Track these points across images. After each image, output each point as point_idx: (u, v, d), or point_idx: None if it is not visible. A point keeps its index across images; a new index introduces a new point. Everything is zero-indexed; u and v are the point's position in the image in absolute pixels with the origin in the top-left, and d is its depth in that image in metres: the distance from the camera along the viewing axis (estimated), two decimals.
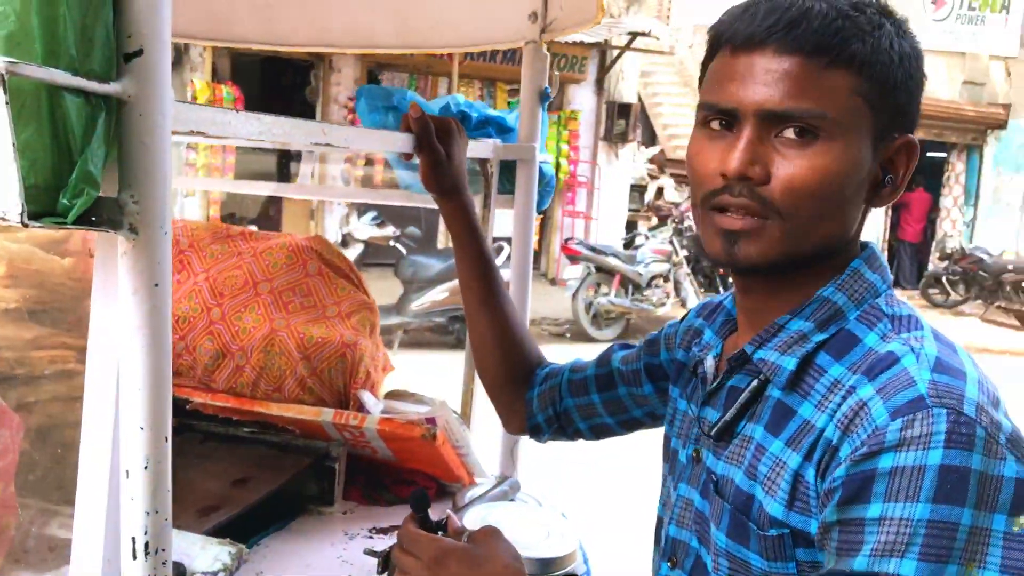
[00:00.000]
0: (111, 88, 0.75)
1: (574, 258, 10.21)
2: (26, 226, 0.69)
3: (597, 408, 1.31)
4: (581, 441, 1.37)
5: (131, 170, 0.78)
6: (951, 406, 0.80)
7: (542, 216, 13.01)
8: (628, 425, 1.31)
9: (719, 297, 1.19)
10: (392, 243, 9.64)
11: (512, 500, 1.72)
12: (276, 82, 12.05)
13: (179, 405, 1.75)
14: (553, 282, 12.87)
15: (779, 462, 0.91)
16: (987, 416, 0.81)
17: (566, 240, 11.34)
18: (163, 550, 0.83)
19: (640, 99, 13.84)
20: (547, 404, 1.34)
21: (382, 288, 9.92)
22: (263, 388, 1.70)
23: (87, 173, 0.73)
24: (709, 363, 1.07)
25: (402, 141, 1.34)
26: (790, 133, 0.90)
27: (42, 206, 0.72)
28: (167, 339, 0.82)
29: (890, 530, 0.78)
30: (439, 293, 8.70)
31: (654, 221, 13.08)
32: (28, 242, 1.85)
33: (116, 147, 0.78)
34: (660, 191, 15.12)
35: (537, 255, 13.29)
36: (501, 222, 1.87)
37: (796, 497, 0.89)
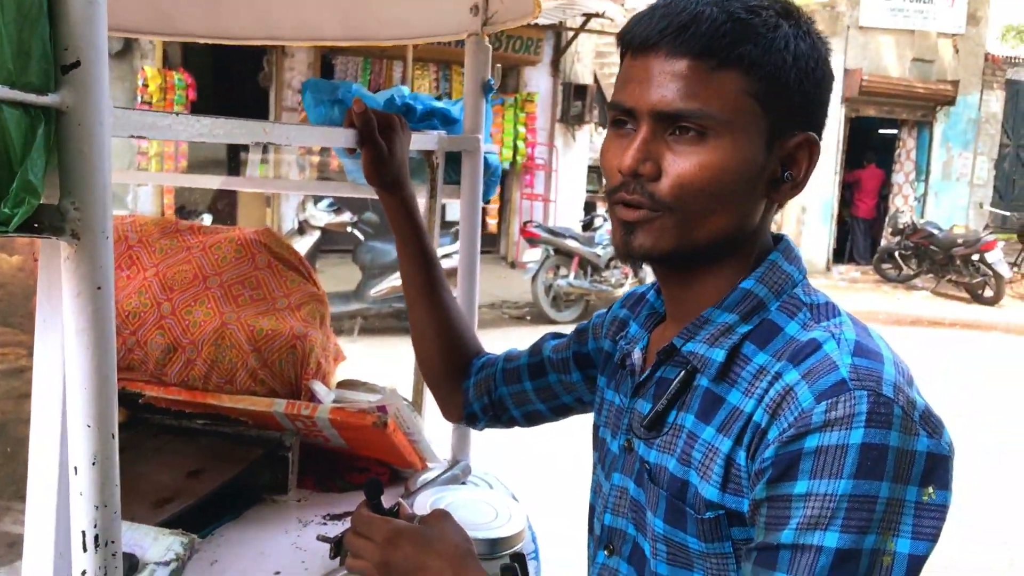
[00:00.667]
0: (49, 99, 0.77)
1: (533, 241, 10.26)
2: None
3: (529, 395, 1.35)
4: (516, 428, 1.42)
5: (71, 178, 0.80)
6: (871, 388, 0.85)
7: (499, 200, 13.03)
8: (558, 411, 1.36)
9: (642, 288, 1.24)
10: (350, 229, 9.61)
11: (463, 483, 1.77)
12: (228, 68, 11.92)
13: (132, 399, 1.77)
14: (513, 265, 12.92)
15: (711, 448, 0.95)
16: (903, 395, 0.86)
17: (525, 223, 11.38)
18: (112, 542, 0.86)
19: (596, 80, 13.87)
20: (482, 392, 1.39)
21: (340, 275, 9.91)
22: (215, 381, 1.73)
23: (27, 183, 0.75)
24: (636, 356, 1.11)
25: (344, 136, 1.36)
26: (680, 132, 0.95)
27: None
28: (111, 340, 0.84)
29: (815, 505, 0.84)
30: (397, 279, 8.70)
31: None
32: None
33: (56, 155, 0.80)
34: None
35: (496, 238, 13.32)
36: (454, 207, 1.91)
37: (729, 479, 0.93)
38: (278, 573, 1.43)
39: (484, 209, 12.55)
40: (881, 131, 17.02)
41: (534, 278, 9.98)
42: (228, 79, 11.98)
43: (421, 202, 1.53)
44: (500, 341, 8.77)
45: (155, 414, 1.78)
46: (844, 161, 15.81)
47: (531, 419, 1.38)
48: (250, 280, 1.78)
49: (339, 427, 1.67)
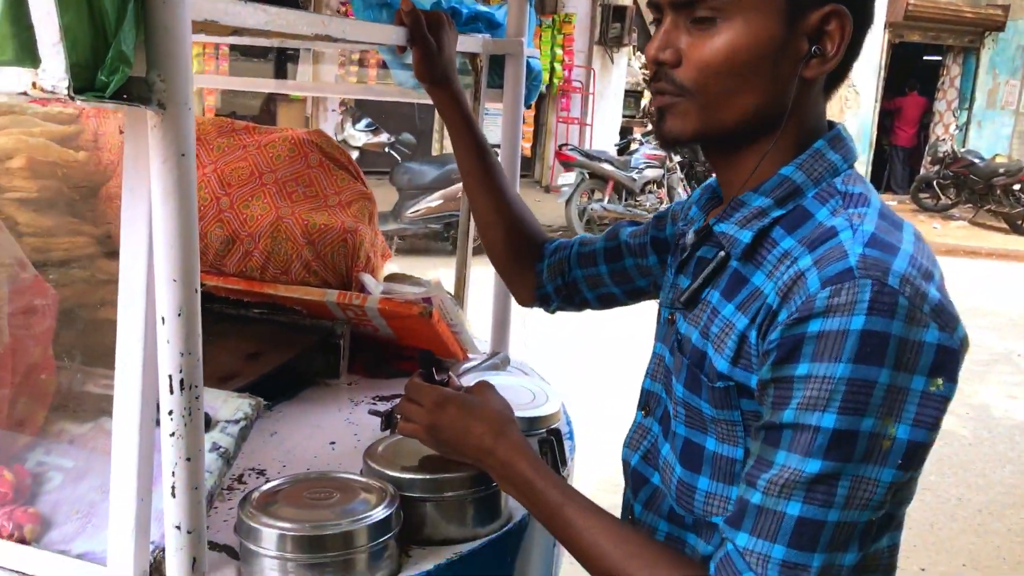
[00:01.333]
0: None
1: (568, 164, 10.27)
2: (72, 99, 0.80)
3: (604, 278, 1.42)
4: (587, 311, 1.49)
5: (157, 52, 0.88)
6: (876, 277, 0.87)
7: (535, 124, 12.97)
8: (632, 295, 1.42)
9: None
10: (387, 150, 9.67)
11: (503, 371, 1.87)
12: None
13: None
14: (547, 189, 12.94)
15: (728, 324, 1.01)
16: (911, 287, 0.88)
17: (560, 146, 11.36)
18: (196, 386, 0.96)
19: (635, 1, 13.65)
20: (556, 274, 1.46)
21: (377, 195, 9.99)
22: (271, 272, 1.82)
23: (121, 52, 0.83)
24: (689, 236, 1.16)
25: (395, 34, 1.43)
26: (698, 20, 0.99)
27: (83, 82, 0.82)
28: (193, 203, 0.93)
29: (814, 387, 0.87)
30: (434, 200, 8.78)
31: (648, 127, 13.06)
32: (44, 136, 1.95)
33: (143, 31, 0.88)
34: None
35: (531, 161, 13.31)
36: (490, 132, 1.97)
37: (740, 355, 0.99)
38: (333, 443, 1.54)
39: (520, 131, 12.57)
40: (925, 57, 16.62)
41: (568, 201, 10.01)
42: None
43: None
44: None
45: (215, 303, 1.88)
46: (884, 88, 15.50)
47: (604, 302, 1.45)
48: (303, 178, 1.86)
49: (387, 316, 1.77)
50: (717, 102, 1.01)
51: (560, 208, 10.41)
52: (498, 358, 1.88)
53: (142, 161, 0.93)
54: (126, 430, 1.00)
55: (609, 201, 10.22)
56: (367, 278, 1.82)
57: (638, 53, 15.29)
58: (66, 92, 0.80)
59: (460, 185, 1.76)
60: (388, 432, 1.40)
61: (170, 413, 0.95)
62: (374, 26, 1.42)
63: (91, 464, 1.18)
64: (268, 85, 2.82)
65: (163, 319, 0.94)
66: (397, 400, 1.60)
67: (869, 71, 15.02)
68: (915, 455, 0.89)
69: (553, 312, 1.54)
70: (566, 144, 11.46)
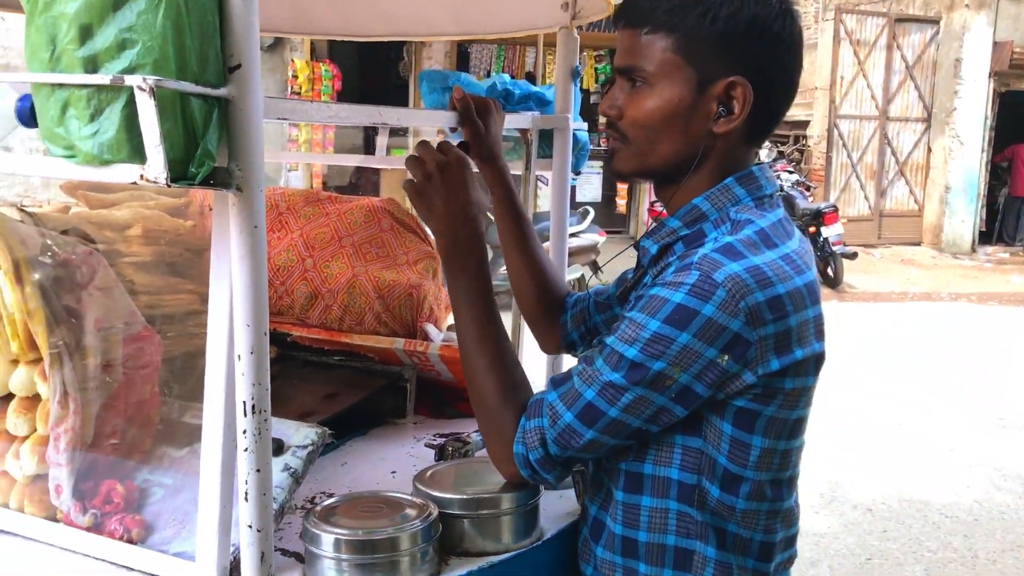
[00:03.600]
0: (221, 92, 1.10)
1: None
2: (169, 186, 1.05)
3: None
4: None
5: (236, 148, 1.13)
6: (704, 271, 1.17)
7: (628, 182, 13.13)
8: None
9: None
10: None
11: None
12: (371, 59, 12.53)
13: (281, 338, 2.14)
14: None
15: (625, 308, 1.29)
16: (735, 285, 1.15)
17: (652, 203, 11.52)
18: (264, 411, 1.19)
19: None
20: (579, 323, 1.68)
21: None
22: (348, 323, 2.07)
23: (207, 150, 1.09)
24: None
25: (446, 118, 1.67)
26: (632, 84, 1.30)
27: (178, 173, 1.08)
28: (263, 264, 1.17)
29: (631, 328, 1.20)
30: None
31: None
32: (158, 208, 2.26)
33: (225, 131, 1.13)
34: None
35: (626, 217, 13.49)
36: (586, 191, 2.21)
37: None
38: (394, 472, 1.75)
39: (615, 189, 12.61)
40: None
41: None
42: (371, 69, 12.60)
43: (516, 173, 1.83)
44: None
45: (299, 351, 2.14)
46: (992, 138, 15.16)
47: None
48: (376, 240, 2.11)
49: (447, 362, 1.99)
50: (645, 149, 1.32)
51: None
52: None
53: (225, 231, 1.18)
54: (211, 449, 1.24)
55: None
56: (430, 328, 2.05)
57: None
58: (165, 182, 1.05)
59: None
60: (440, 460, 1.61)
61: (244, 432, 1.19)
62: (426, 112, 1.67)
63: (186, 482, 1.42)
64: (351, 160, 3.11)
65: (239, 356, 1.17)
66: (453, 436, 1.82)
67: (974, 121, 14.74)
68: (688, 399, 1.20)
69: (578, 356, 1.74)
70: (658, 200, 11.58)
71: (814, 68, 14.39)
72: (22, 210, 1.61)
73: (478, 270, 1.41)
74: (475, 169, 1.60)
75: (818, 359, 1.27)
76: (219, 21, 1.10)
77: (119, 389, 1.45)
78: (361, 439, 1.94)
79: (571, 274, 9.06)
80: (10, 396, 1.44)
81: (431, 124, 1.68)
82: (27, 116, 1.19)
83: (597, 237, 9.33)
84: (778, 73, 1.29)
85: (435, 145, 1.48)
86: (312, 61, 11.32)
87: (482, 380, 1.37)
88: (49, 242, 1.45)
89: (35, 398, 1.43)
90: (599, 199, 12.25)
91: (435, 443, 1.82)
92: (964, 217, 14.91)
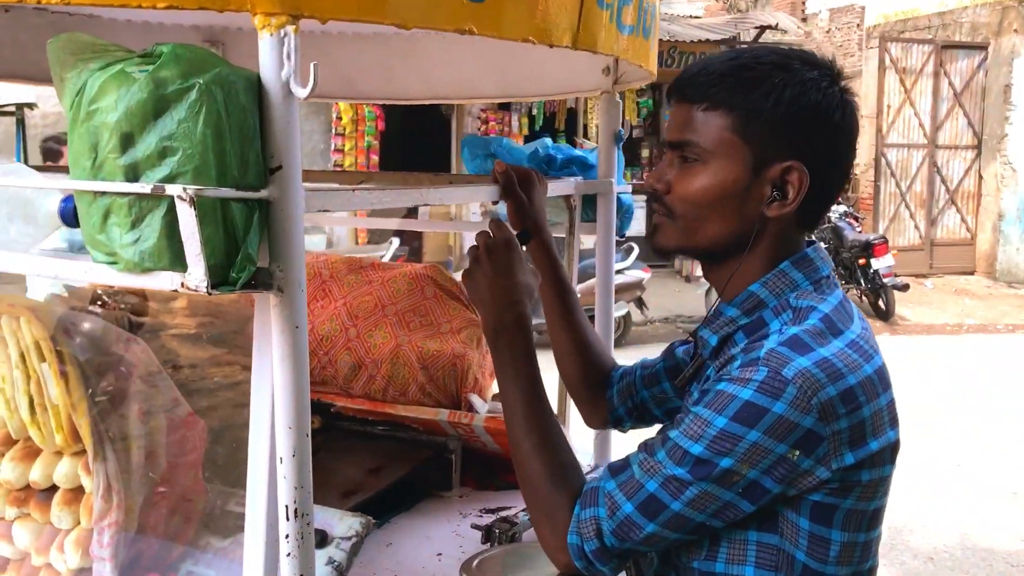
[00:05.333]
0: (262, 194, 1.09)
1: None
2: (209, 294, 1.04)
3: (668, 394, 1.58)
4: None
5: (277, 248, 1.12)
6: (772, 367, 1.13)
7: None
8: None
9: None
10: (524, 248, 9.96)
11: None
12: None
13: (325, 408, 2.12)
14: (687, 279, 12.96)
15: (692, 401, 1.26)
16: (807, 381, 1.12)
17: None
18: (307, 515, 1.17)
19: None
20: (626, 398, 1.63)
21: None
22: (391, 393, 2.05)
23: (249, 255, 1.07)
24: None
25: (489, 192, 1.65)
26: (684, 159, 1.27)
27: (219, 279, 1.06)
28: (305, 365, 1.15)
29: (697, 423, 1.16)
30: None
31: None
32: None
33: (266, 232, 1.12)
34: None
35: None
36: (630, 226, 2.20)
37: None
38: (440, 554, 1.72)
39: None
40: None
41: (708, 292, 10.03)
42: (414, 109, 12.70)
43: (560, 236, 1.80)
44: None
45: (343, 421, 2.12)
46: None
47: (673, 416, 1.61)
48: (419, 308, 2.10)
49: (492, 434, 1.95)
50: (692, 227, 1.28)
51: (700, 299, 10.45)
52: (599, 470, 2.03)
53: (266, 330, 1.16)
54: (254, 553, 1.22)
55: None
56: (475, 398, 2.02)
57: None
58: (206, 289, 1.04)
59: (594, 281, 1.98)
60: (487, 543, 1.57)
61: (286, 537, 1.16)
62: (468, 189, 1.65)
63: (231, 573, 1.40)
64: (392, 223, 3.11)
65: (281, 459, 1.15)
66: (500, 516, 1.78)
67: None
68: (756, 491, 1.15)
69: (626, 431, 1.71)
70: (708, 283, 11.48)
71: (859, 97, 14.22)
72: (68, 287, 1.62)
73: (524, 353, 1.39)
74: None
75: (894, 447, 1.23)
76: (259, 122, 1.10)
77: (163, 479, 1.44)
78: (407, 514, 1.91)
79: (617, 311, 9.01)
80: (54, 488, 1.44)
81: (474, 200, 1.66)
82: (70, 217, 1.19)
83: (642, 274, 9.27)
84: (834, 161, 1.26)
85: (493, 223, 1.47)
86: (356, 103, 11.45)
87: (531, 463, 1.33)
88: (92, 328, 1.45)
89: (79, 490, 1.42)
90: (643, 233, 12.18)
91: (480, 523, 1.78)
92: (1019, 245, 14.57)
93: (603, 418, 1.69)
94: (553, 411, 1.39)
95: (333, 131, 11.56)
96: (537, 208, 1.70)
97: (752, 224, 1.26)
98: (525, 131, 12.14)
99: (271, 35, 1.08)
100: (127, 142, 1.06)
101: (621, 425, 1.67)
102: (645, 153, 13.70)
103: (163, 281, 1.06)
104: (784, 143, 1.23)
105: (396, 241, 9.20)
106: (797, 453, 1.13)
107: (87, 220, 1.10)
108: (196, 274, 1.04)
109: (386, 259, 9.64)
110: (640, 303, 9.47)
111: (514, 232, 1.50)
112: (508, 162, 1.71)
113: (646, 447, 1.23)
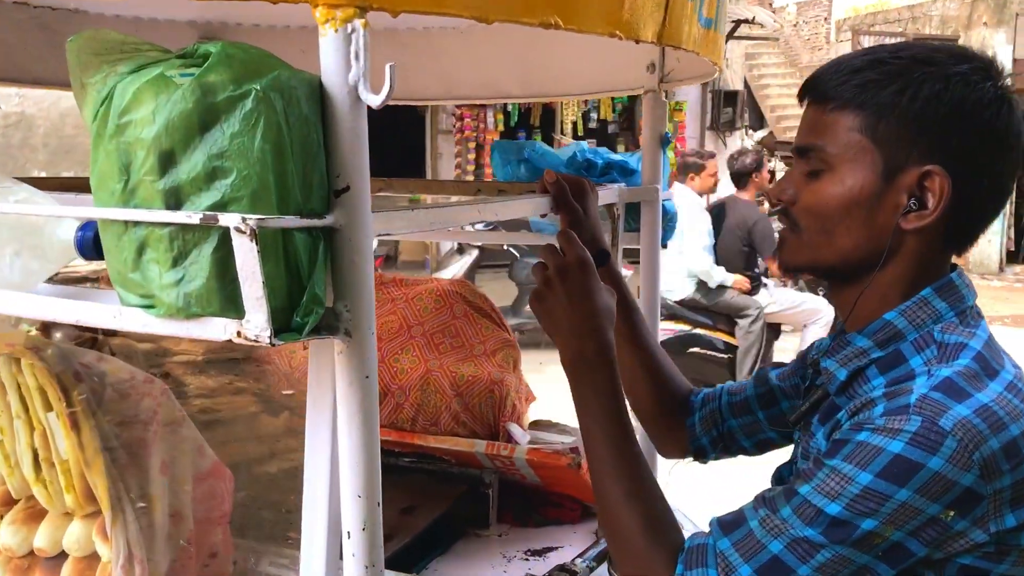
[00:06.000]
0: (327, 221, 0.91)
1: None
2: (273, 344, 0.86)
3: (762, 425, 1.43)
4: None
5: (344, 284, 0.94)
6: (927, 416, 0.98)
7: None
8: (789, 437, 1.41)
9: None
10: (506, 246, 9.81)
11: None
12: None
13: None
14: None
15: (816, 447, 1.15)
16: (967, 434, 0.97)
17: None
18: None
19: (747, 84, 13.67)
20: (710, 426, 1.46)
21: (496, 290, 10.12)
22: (421, 423, 1.87)
23: (315, 296, 0.89)
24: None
25: (542, 204, 1.48)
26: (807, 165, 1.14)
27: (280, 324, 0.89)
28: (376, 422, 0.98)
29: (834, 479, 1.00)
30: None
31: (767, 207, 12.88)
32: None
33: (329, 266, 0.94)
34: (772, 175, 14.89)
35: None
36: None
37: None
38: None
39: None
40: None
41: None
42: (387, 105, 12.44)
43: None
44: None
45: None
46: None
47: (762, 447, 1.46)
48: (449, 328, 1.92)
49: (535, 467, 1.79)
50: (818, 241, 1.14)
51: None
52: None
53: (327, 384, 0.99)
54: None
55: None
56: (514, 428, 1.85)
57: (751, 133, 15.24)
58: (268, 340, 0.86)
59: None
60: None
61: None
62: (524, 202, 1.47)
63: None
64: (458, 235, 2.93)
65: (348, 534, 0.98)
66: (546, 556, 1.62)
67: None
68: (898, 554, 1.01)
69: (706, 463, 1.54)
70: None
71: None
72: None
73: (609, 387, 1.22)
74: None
75: None
76: (323, 137, 0.92)
77: (190, 537, 1.25)
78: (444, 559, 1.74)
79: None
80: (63, 555, 1.25)
81: (529, 213, 1.49)
82: (89, 249, 1.00)
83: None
84: (985, 168, 1.09)
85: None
86: None
87: (622, 514, 1.16)
88: (107, 369, 1.26)
89: (93, 558, 1.23)
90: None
91: (532, 572, 1.62)
92: (991, 237, 14.67)
93: (683, 448, 1.52)
94: (643, 455, 1.22)
95: None
96: (593, 219, 1.53)
97: (885, 238, 1.11)
98: (501, 127, 11.93)
99: (336, 31, 0.90)
100: (168, 161, 0.88)
101: (704, 456, 1.51)
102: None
103: (214, 329, 0.88)
104: (921, 145, 1.08)
105: (374, 242, 8.98)
106: (952, 514, 0.99)
107: (116, 255, 0.92)
108: (256, 321, 0.86)
109: None
110: None
111: (597, 254, 1.34)
112: (544, 167, 1.54)
113: (765, 502, 1.07)
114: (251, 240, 0.83)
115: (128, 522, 1.18)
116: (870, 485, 0.98)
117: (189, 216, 0.86)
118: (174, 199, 0.88)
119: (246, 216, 0.83)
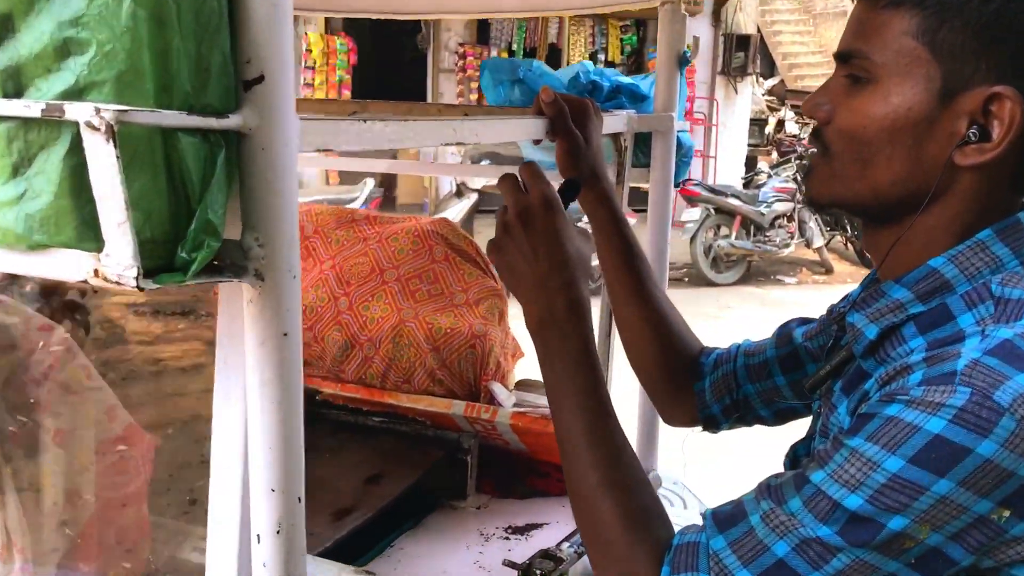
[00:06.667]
0: (230, 122, 0.67)
1: (692, 200, 9.92)
2: (141, 290, 0.62)
3: (782, 391, 1.20)
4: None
5: (255, 210, 0.70)
6: (980, 388, 0.77)
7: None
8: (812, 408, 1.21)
9: None
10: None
11: None
12: (387, 31, 12.02)
13: (309, 395, 1.72)
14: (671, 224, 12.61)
15: (839, 423, 0.93)
16: None
17: (683, 181, 11.05)
18: None
19: (759, 30, 13.25)
20: (723, 393, 1.24)
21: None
22: (392, 379, 1.65)
23: (207, 223, 0.65)
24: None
25: (535, 127, 1.23)
26: (849, 77, 0.92)
27: (158, 261, 0.65)
28: (298, 394, 0.75)
29: (856, 464, 0.80)
30: None
31: (776, 157, 12.58)
32: None
33: (237, 186, 0.70)
34: (780, 124, 14.53)
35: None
36: None
37: None
38: None
39: None
40: None
41: (693, 238, 9.65)
42: (386, 42, 12.10)
43: None
44: None
45: (332, 410, 1.72)
46: None
47: (783, 417, 1.24)
48: (427, 273, 1.68)
49: (519, 432, 1.57)
50: (850, 171, 0.93)
51: (684, 245, 10.06)
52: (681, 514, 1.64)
53: (237, 340, 0.75)
54: None
55: (737, 237, 9.82)
56: (497, 388, 1.63)
57: (762, 81, 14.85)
58: (135, 281, 0.62)
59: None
60: None
61: None
62: (511, 122, 1.23)
63: None
64: (380, 165, 2.67)
65: (258, 537, 0.75)
66: (529, 534, 1.41)
67: None
68: (935, 562, 0.81)
69: (717, 432, 1.31)
70: (689, 179, 11.10)
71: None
72: None
73: (583, 354, 0.99)
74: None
75: None
76: (227, 6, 0.67)
77: (89, 523, 1.03)
78: (413, 535, 1.52)
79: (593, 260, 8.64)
80: None
81: (518, 137, 1.24)
82: None
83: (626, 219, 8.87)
84: None
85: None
86: (327, 35, 10.84)
87: (599, 503, 0.94)
88: None
89: None
90: None
91: (511, 551, 1.40)
92: None
93: (690, 416, 1.29)
94: (623, 431, 1.00)
95: (303, 64, 10.92)
96: (595, 149, 1.28)
97: (934, 175, 0.89)
98: None
99: None
100: (3, 31, 0.63)
101: (715, 426, 1.28)
102: None
103: (65, 266, 0.65)
104: (991, 60, 0.85)
105: (370, 182, 8.66)
106: (1006, 514, 0.78)
107: None
108: (119, 255, 0.62)
109: (359, 203, 9.16)
110: None
111: (559, 181, 1.10)
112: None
113: (771, 492, 0.87)
114: (108, 141, 0.59)
115: (7, 504, 0.95)
116: (901, 473, 0.78)
117: (28, 107, 0.61)
118: (12, 84, 0.64)
119: (101, 107, 0.59)
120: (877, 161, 0.90)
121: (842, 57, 0.93)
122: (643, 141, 1.67)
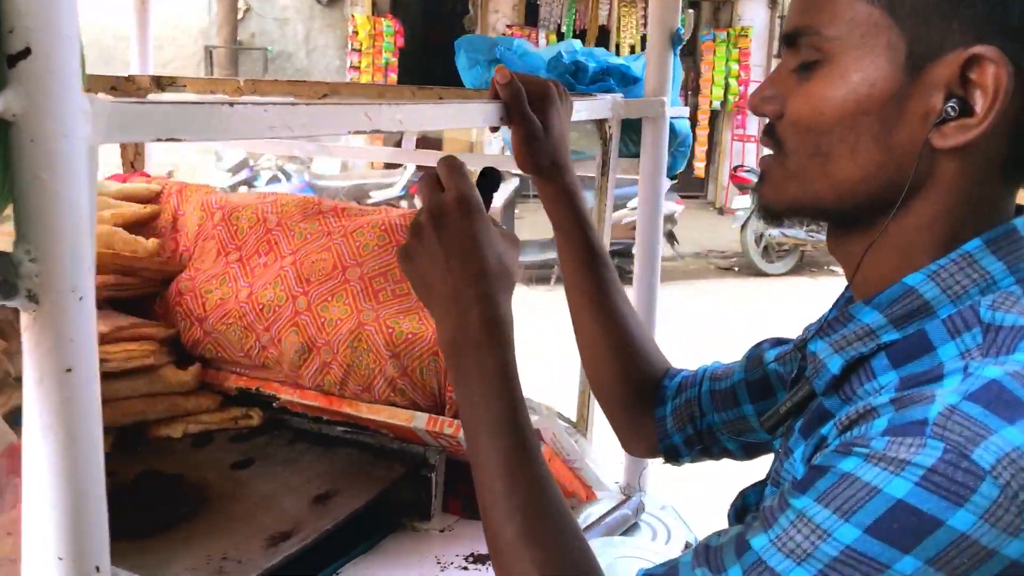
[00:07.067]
0: None
1: (744, 187, 9.69)
2: None
3: (750, 421, 1.05)
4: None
5: (26, 217, 0.56)
6: (955, 444, 0.62)
7: (708, 143, 12.39)
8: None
9: None
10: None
11: (636, 525, 1.48)
12: (435, 12, 11.89)
13: (267, 401, 1.60)
14: (721, 211, 12.32)
15: (793, 469, 0.81)
16: (1017, 474, 0.61)
17: (735, 167, 10.79)
18: None
19: None
20: (684, 422, 1.09)
21: (539, 222, 9.69)
22: (352, 387, 1.51)
23: None
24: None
25: (488, 112, 1.08)
26: (798, 59, 0.78)
27: None
28: (91, 441, 0.61)
29: (803, 530, 0.66)
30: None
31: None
32: (115, 220, 1.73)
33: (6, 184, 0.56)
34: None
35: (704, 182, 12.73)
36: None
37: None
38: None
39: (692, 151, 12.24)
40: None
41: (744, 226, 9.40)
42: (436, 23, 11.97)
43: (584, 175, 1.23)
44: (705, 295, 8.33)
45: (292, 418, 1.60)
46: None
47: (752, 452, 1.09)
48: (392, 272, 1.54)
49: None
50: (808, 168, 0.79)
51: (735, 233, 9.81)
52: (629, 505, 1.48)
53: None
54: None
55: (789, 226, 9.54)
56: None
57: None
58: None
59: (626, 211, 1.41)
60: None
61: None
62: (452, 108, 1.08)
63: None
64: (377, 154, 2.54)
65: None
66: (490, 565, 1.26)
67: None
68: None
69: (681, 466, 1.16)
70: (741, 165, 10.83)
71: None
72: None
73: (499, 378, 0.85)
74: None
75: None
76: None
77: None
78: (363, 559, 1.39)
79: None
80: None
81: (462, 124, 1.10)
82: None
83: (674, 206, 8.64)
84: None
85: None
86: (374, 16, 10.75)
87: (514, 560, 0.80)
88: None
89: None
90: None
91: None
92: None
93: (649, 445, 1.14)
94: (546, 464, 0.85)
95: (349, 46, 10.85)
96: (556, 138, 1.13)
97: (909, 164, 0.74)
98: None
99: None
100: None
101: (676, 458, 1.13)
102: None
103: None
104: (965, 16, 0.70)
105: (411, 167, 8.54)
106: None
107: None
108: None
109: (397, 189, 9.04)
110: (671, 237, 8.85)
111: (483, 179, 0.97)
112: (518, 71, 1.14)
113: (708, 557, 0.73)
114: None
115: None
116: (856, 546, 0.64)
117: None
118: None
119: None
120: (838, 153, 0.76)
121: (789, 39, 0.80)
122: (633, 130, 1.51)
